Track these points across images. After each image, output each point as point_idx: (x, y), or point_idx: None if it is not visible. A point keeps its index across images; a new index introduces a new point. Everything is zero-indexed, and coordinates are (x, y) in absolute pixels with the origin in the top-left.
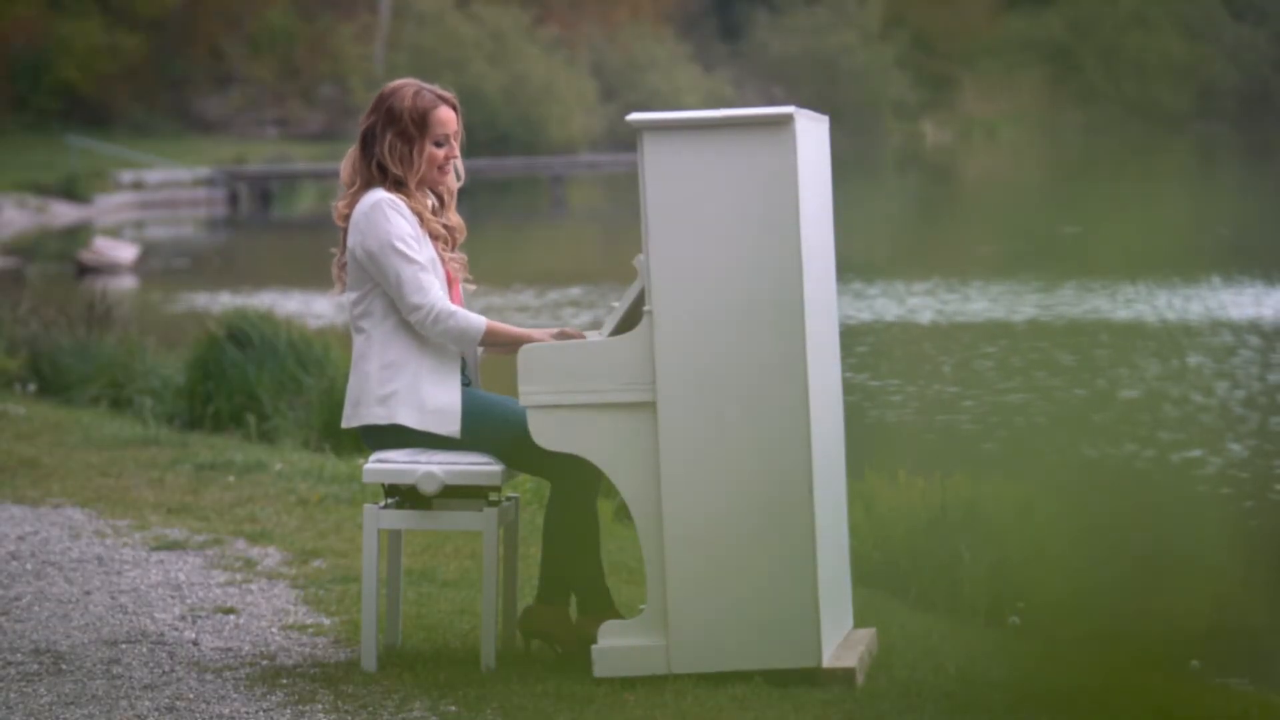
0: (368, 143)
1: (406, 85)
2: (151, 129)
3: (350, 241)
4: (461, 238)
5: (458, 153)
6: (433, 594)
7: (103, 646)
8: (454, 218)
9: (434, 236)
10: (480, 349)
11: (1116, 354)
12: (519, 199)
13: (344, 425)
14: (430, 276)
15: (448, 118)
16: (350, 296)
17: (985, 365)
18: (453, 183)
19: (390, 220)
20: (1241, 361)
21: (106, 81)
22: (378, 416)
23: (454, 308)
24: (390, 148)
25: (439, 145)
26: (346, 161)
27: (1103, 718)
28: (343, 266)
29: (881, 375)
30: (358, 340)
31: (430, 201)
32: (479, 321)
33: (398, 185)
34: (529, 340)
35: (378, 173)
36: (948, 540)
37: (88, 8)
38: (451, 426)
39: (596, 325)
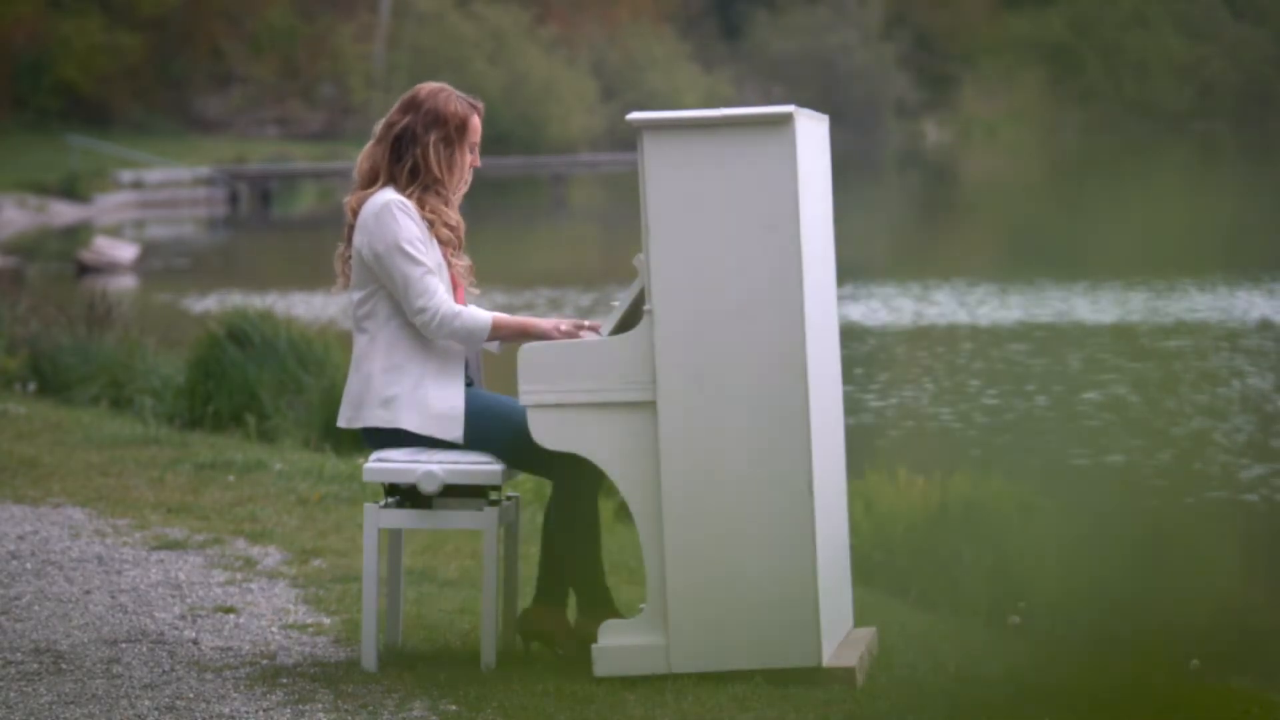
0: (402, 142)
1: (444, 89)
2: (151, 129)
3: (357, 241)
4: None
5: (479, 162)
6: (433, 593)
7: (103, 646)
8: (455, 216)
9: (442, 242)
10: (496, 344)
11: (1115, 355)
12: (519, 199)
13: (343, 425)
14: (435, 279)
15: (478, 126)
16: (355, 296)
17: (985, 366)
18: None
19: (399, 222)
20: (1240, 361)
21: (106, 81)
22: (380, 419)
23: (458, 308)
24: (435, 150)
25: (471, 151)
26: (365, 158)
27: (1103, 717)
28: (346, 260)
29: (881, 376)
30: (360, 340)
31: (444, 208)
32: (484, 319)
33: (425, 189)
34: (536, 330)
35: (408, 175)
36: (948, 540)
37: (88, 7)
38: (455, 432)
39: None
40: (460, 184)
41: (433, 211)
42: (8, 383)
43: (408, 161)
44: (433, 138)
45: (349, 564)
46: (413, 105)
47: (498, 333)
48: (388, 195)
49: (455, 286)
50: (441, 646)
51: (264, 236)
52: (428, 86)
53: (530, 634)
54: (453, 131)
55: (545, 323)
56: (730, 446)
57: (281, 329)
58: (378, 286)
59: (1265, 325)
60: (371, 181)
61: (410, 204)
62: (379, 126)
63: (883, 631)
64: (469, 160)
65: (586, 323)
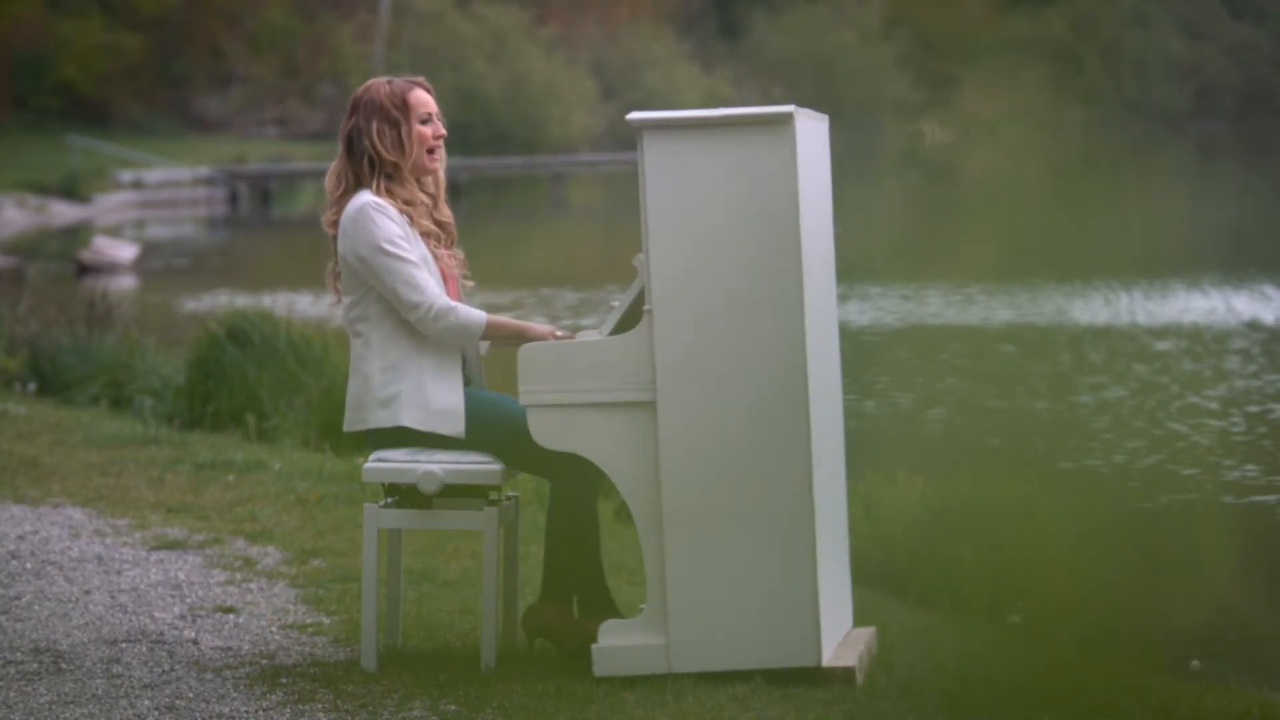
0: (353, 142)
1: (376, 80)
2: (151, 129)
3: (341, 249)
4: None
5: (444, 131)
6: (433, 594)
7: (102, 646)
8: (445, 212)
9: (425, 234)
10: (487, 343)
11: (1114, 358)
12: (519, 198)
13: (347, 430)
14: (424, 274)
15: (425, 98)
16: (345, 302)
17: (983, 368)
18: (440, 173)
19: (377, 223)
20: (1238, 363)
21: (106, 81)
22: (382, 420)
23: (452, 303)
24: (380, 135)
25: (424, 123)
26: (330, 173)
27: (1103, 717)
28: (336, 275)
29: (881, 376)
30: (355, 344)
31: (422, 196)
32: (479, 316)
33: (389, 178)
34: (529, 333)
35: (368, 169)
36: (948, 540)
37: (88, 7)
38: (456, 427)
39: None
40: (420, 160)
41: (406, 202)
42: (8, 383)
43: (363, 156)
44: (375, 124)
45: (349, 564)
46: (354, 106)
47: (493, 331)
48: (362, 199)
49: (446, 279)
50: (441, 646)
51: (264, 236)
52: (363, 85)
53: (535, 631)
54: (393, 111)
55: (542, 329)
56: (730, 446)
57: (281, 329)
58: (367, 290)
59: (1257, 326)
60: (337, 188)
61: (385, 203)
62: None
63: (883, 631)
64: (425, 133)
65: (579, 336)
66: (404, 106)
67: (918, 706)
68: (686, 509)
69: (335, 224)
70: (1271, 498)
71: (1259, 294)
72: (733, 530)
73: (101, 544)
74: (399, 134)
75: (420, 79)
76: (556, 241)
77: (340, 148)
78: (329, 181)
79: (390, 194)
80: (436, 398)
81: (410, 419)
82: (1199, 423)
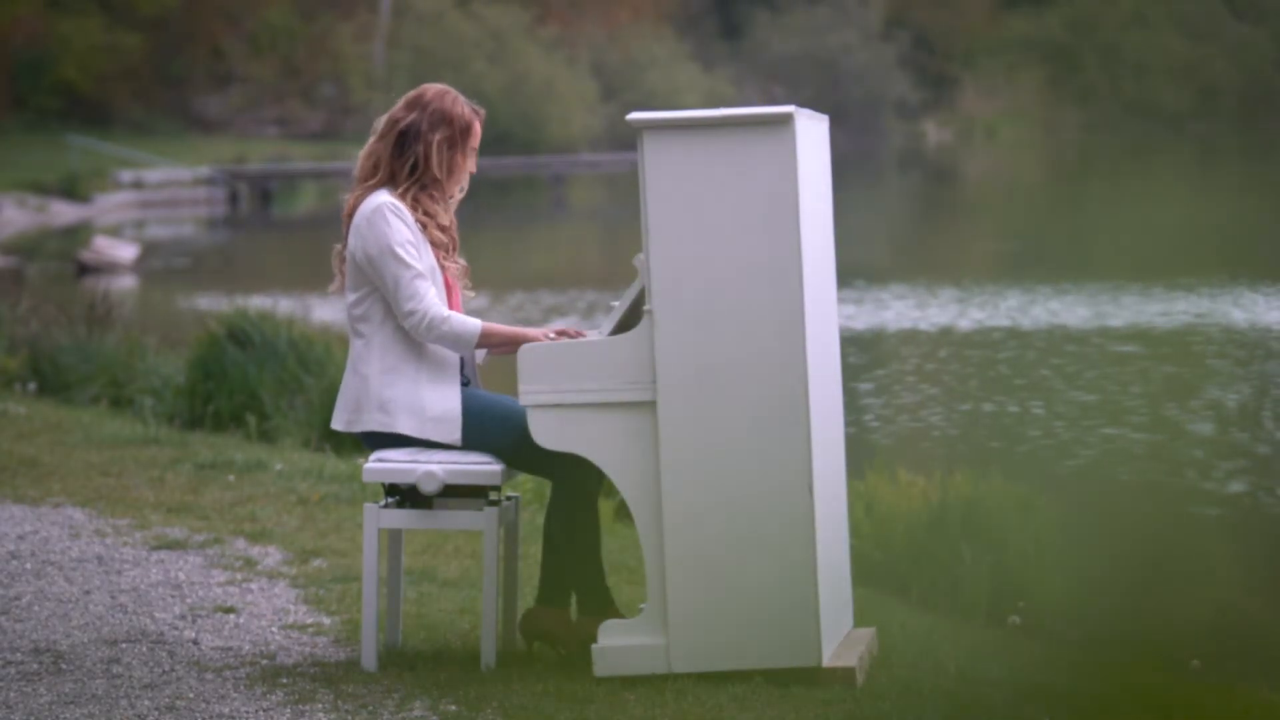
0: (406, 138)
1: (450, 91)
2: (151, 129)
3: (351, 245)
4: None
5: (475, 168)
6: (433, 594)
7: (103, 646)
8: (448, 218)
9: (435, 244)
10: (484, 352)
11: (1114, 359)
12: (519, 198)
13: (340, 429)
14: (426, 283)
15: (479, 132)
16: (349, 298)
17: (983, 369)
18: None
19: (391, 225)
20: (1236, 365)
21: (106, 81)
22: (378, 423)
23: (447, 312)
24: (439, 148)
25: (468, 157)
26: (367, 155)
27: (1103, 718)
28: (342, 259)
29: (881, 377)
30: (356, 343)
31: (441, 211)
32: (474, 325)
33: (423, 188)
34: (526, 339)
35: (408, 172)
36: (948, 540)
37: (88, 7)
38: (453, 434)
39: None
40: (457, 188)
41: (426, 214)
42: (8, 383)
43: (409, 158)
44: (437, 137)
45: (349, 564)
46: (419, 103)
47: (487, 339)
48: (381, 198)
49: (449, 289)
50: (441, 646)
51: (264, 236)
52: (434, 87)
53: (533, 634)
54: (457, 134)
55: (536, 331)
56: (730, 446)
57: (281, 329)
58: (372, 289)
59: (1260, 328)
60: (371, 175)
61: (403, 206)
62: (380, 122)
63: (883, 631)
64: (468, 165)
65: (573, 330)
66: (467, 132)
67: (918, 706)
68: (686, 509)
69: (351, 212)
70: (1273, 498)
71: (1259, 296)
72: (732, 530)
73: (101, 544)
74: (455, 156)
75: (482, 110)
76: (557, 242)
77: (382, 130)
78: (363, 160)
79: (415, 201)
80: (433, 404)
81: (406, 425)
82: (1199, 423)
